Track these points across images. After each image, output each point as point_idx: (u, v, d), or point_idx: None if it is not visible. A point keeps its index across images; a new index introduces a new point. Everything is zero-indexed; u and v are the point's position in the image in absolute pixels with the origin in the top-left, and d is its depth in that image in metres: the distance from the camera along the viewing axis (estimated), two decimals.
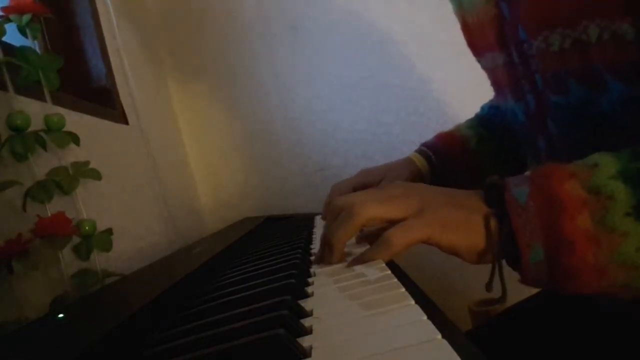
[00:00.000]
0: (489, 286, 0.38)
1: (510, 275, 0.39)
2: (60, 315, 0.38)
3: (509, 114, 0.59)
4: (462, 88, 1.25)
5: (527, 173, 0.39)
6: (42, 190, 0.59)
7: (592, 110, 0.43)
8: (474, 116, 0.81)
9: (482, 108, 0.81)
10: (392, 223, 0.40)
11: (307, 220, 0.95)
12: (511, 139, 0.74)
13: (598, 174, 0.34)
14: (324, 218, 0.75)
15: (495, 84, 0.62)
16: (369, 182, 0.72)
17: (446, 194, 0.41)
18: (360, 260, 0.41)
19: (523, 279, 0.37)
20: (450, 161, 0.74)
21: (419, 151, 0.76)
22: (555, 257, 0.34)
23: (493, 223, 0.37)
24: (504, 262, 0.39)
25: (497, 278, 0.39)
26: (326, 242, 0.44)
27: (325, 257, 0.45)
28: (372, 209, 0.40)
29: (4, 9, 0.64)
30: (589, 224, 0.33)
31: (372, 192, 0.44)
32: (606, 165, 0.35)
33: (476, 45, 0.60)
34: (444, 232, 0.38)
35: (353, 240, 0.48)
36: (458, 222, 0.38)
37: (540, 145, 0.52)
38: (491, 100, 0.80)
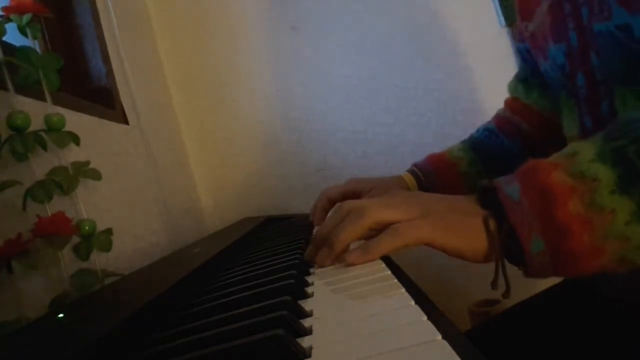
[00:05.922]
0: (494, 284, 0.40)
1: (512, 275, 0.40)
2: (60, 315, 0.38)
3: (547, 68, 0.61)
4: (462, 89, 1.25)
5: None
6: (42, 190, 0.59)
7: (629, 37, 0.46)
8: (468, 138, 0.83)
9: (477, 130, 0.83)
10: None
11: (307, 220, 0.95)
12: (502, 161, 0.76)
13: (579, 160, 0.37)
14: (312, 220, 0.76)
15: (536, 45, 0.63)
16: (358, 190, 0.73)
17: (445, 200, 0.43)
18: (365, 248, 0.42)
19: (528, 272, 0.39)
20: (438, 183, 0.77)
21: (410, 170, 0.79)
22: (555, 244, 0.36)
23: (492, 223, 0.39)
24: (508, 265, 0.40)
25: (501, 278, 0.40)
26: (327, 241, 0.45)
27: (322, 256, 0.45)
28: (380, 212, 0.42)
29: (4, 8, 0.64)
30: (580, 208, 0.35)
31: (378, 198, 0.45)
32: (584, 151, 0.37)
33: (530, 4, 0.62)
34: (448, 235, 0.39)
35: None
36: (460, 225, 0.40)
37: (579, 83, 0.55)
38: (487, 123, 0.82)
